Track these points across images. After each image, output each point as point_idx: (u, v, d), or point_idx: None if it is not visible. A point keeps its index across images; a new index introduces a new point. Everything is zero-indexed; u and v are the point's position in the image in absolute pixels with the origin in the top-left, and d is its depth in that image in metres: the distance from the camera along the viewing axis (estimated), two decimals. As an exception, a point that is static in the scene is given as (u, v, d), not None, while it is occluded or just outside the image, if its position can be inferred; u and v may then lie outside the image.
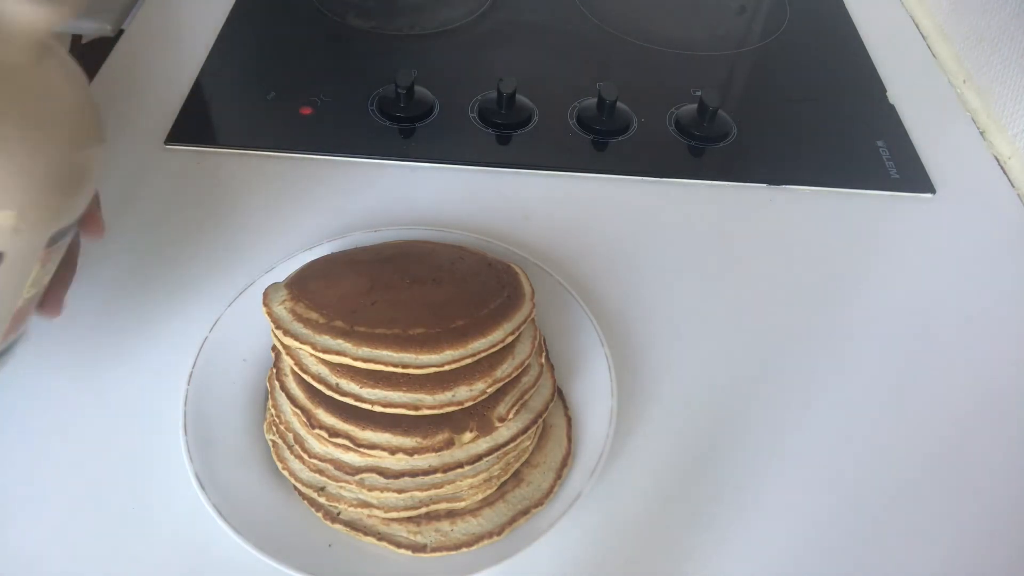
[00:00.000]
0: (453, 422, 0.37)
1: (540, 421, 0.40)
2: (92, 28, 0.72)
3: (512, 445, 0.38)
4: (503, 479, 0.39)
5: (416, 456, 0.36)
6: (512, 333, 0.38)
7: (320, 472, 0.38)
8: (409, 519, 0.38)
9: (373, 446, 0.36)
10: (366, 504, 0.37)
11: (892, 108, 0.65)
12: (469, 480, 0.37)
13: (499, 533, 0.38)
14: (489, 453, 0.37)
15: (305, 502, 0.39)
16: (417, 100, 0.61)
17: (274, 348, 0.40)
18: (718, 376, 0.47)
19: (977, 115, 0.66)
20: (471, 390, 0.37)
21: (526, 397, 0.39)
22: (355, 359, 0.36)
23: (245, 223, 0.53)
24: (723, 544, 0.40)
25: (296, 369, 0.38)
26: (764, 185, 0.58)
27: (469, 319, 0.38)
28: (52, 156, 0.31)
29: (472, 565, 0.37)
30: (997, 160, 0.62)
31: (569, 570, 0.39)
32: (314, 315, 0.38)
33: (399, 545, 0.37)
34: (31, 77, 0.31)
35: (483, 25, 0.72)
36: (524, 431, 0.39)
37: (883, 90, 0.66)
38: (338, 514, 0.38)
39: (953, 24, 0.72)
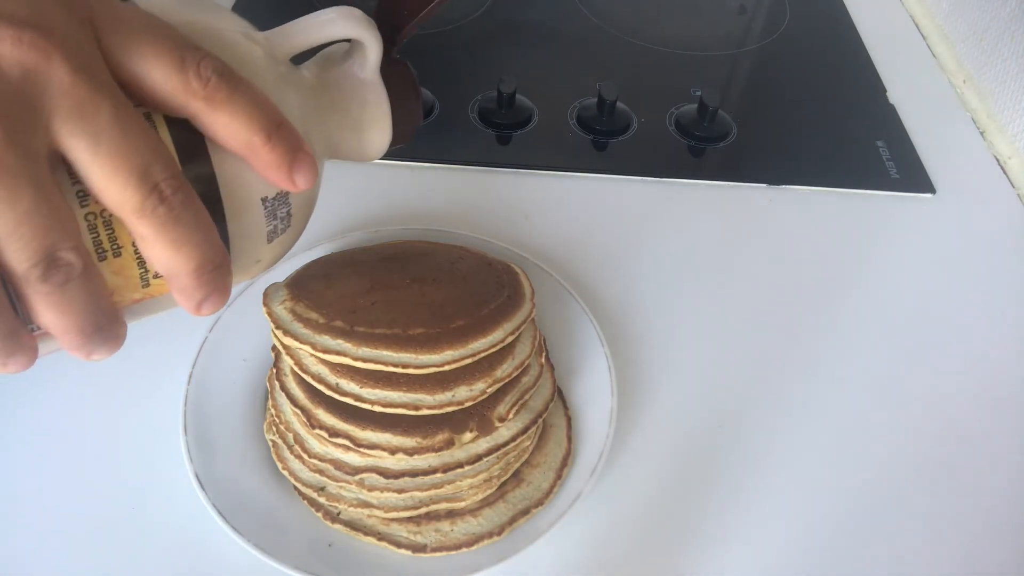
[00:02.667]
0: (453, 422, 0.37)
1: (540, 421, 0.40)
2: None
3: (512, 445, 0.38)
4: (503, 479, 0.39)
5: (416, 456, 0.36)
6: (512, 333, 0.38)
7: (320, 472, 0.38)
8: (409, 519, 0.38)
9: (373, 446, 0.36)
10: (366, 504, 0.37)
11: (892, 108, 0.65)
12: (469, 480, 0.37)
13: (499, 533, 0.38)
14: (489, 453, 0.37)
15: (305, 502, 0.39)
16: (417, 100, 0.61)
17: (274, 348, 0.40)
18: (718, 376, 0.47)
19: (977, 115, 0.66)
20: (471, 390, 0.37)
21: (526, 397, 0.39)
22: (355, 359, 0.36)
23: (245, 223, 0.53)
24: (724, 544, 0.40)
25: (296, 369, 0.38)
26: (764, 185, 0.58)
27: (469, 319, 0.38)
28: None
29: (472, 565, 0.37)
30: (997, 160, 0.62)
31: (569, 570, 0.39)
32: (314, 315, 0.38)
33: (399, 545, 0.37)
34: None
35: (483, 25, 0.72)
36: (524, 431, 0.39)
37: (883, 90, 0.66)
38: (338, 514, 0.38)
39: (953, 24, 0.72)
